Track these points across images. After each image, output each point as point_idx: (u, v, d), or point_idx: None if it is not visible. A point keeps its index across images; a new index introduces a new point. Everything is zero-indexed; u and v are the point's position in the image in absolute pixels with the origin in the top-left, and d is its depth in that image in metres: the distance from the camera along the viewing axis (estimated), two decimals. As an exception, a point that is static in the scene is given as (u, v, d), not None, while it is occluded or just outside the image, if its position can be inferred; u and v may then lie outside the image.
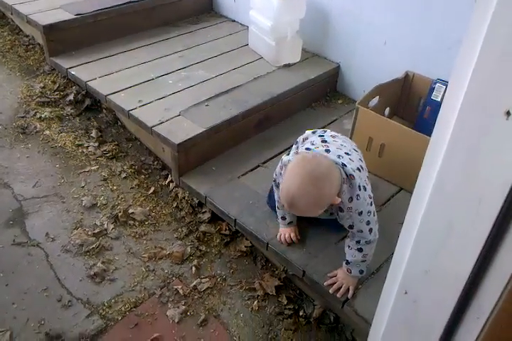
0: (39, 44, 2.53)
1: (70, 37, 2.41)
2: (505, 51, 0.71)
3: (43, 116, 2.18)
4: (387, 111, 2.13)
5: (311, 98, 2.39)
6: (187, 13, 2.86)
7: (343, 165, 1.36)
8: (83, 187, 1.95)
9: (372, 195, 1.45)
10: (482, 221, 0.86)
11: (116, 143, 2.14)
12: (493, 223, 0.85)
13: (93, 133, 2.15)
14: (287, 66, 2.40)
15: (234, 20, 2.86)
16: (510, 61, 0.71)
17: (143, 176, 2.04)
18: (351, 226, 1.44)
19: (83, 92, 2.27)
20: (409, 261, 1.05)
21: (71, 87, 2.31)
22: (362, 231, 1.44)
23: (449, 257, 0.97)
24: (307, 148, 1.48)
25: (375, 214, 1.47)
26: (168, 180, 2.01)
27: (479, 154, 0.82)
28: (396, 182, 1.93)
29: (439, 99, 1.93)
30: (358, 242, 1.47)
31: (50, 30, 2.34)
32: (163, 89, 2.18)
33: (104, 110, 2.25)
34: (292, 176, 1.32)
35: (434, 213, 0.95)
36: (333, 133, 1.60)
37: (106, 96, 2.11)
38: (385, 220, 1.79)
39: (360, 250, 1.48)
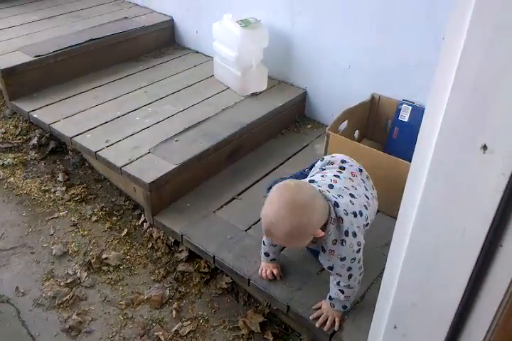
0: (-1, 88, 2.46)
1: (30, 79, 2.35)
2: (477, 86, 0.70)
3: (5, 163, 2.11)
4: (356, 133, 2.13)
5: (280, 125, 2.37)
6: (149, 47, 2.84)
7: (336, 204, 1.32)
8: (52, 234, 1.87)
9: (362, 242, 1.39)
10: (468, 251, 0.84)
11: (84, 185, 2.07)
12: (479, 252, 0.84)
13: (60, 177, 2.08)
14: (255, 95, 2.38)
15: (197, 52, 2.85)
16: (482, 96, 0.70)
17: (115, 218, 1.97)
18: (330, 268, 1.38)
19: (47, 135, 2.20)
20: (396, 295, 1.02)
21: (34, 130, 2.24)
22: (340, 276, 1.39)
23: (436, 289, 0.94)
24: (311, 180, 1.46)
25: (361, 261, 1.41)
26: (141, 220, 1.94)
27: (458, 187, 0.81)
28: (374, 205, 1.92)
29: (406, 120, 1.94)
30: (337, 284, 1.42)
31: (8, 74, 2.28)
32: (130, 126, 2.13)
33: (70, 152, 2.18)
34: (270, 202, 1.28)
35: (418, 245, 0.92)
36: (356, 171, 1.54)
37: (71, 138, 2.05)
38: (364, 245, 1.77)
39: (341, 291, 1.43)
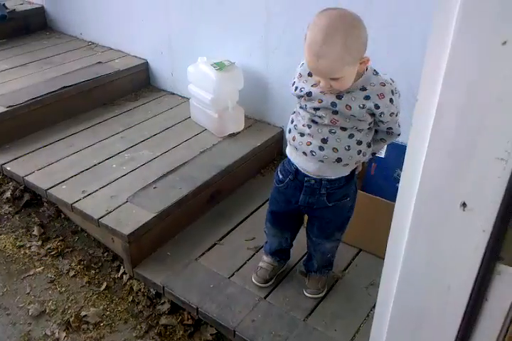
0: (-30, 139, 2.41)
1: (3, 130, 2.30)
2: (453, 146, 0.69)
3: (-22, 218, 2.04)
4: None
5: (259, 165, 2.35)
6: (125, 90, 2.82)
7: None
8: (28, 293, 1.79)
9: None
10: (454, 307, 0.83)
11: (61, 238, 2.01)
12: (465, 308, 0.82)
13: (35, 231, 2.01)
14: (232, 135, 2.37)
15: (173, 93, 2.85)
16: (460, 155, 0.70)
17: (93, 271, 1.90)
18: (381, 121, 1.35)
19: (21, 188, 2.14)
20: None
21: (7, 183, 2.19)
22: (391, 128, 1.39)
23: (424, 345, 0.91)
24: None
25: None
26: (120, 271, 1.88)
27: (440, 245, 0.79)
28: (354, 243, 1.91)
29: (383, 156, 1.93)
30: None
31: (-20, 125, 2.24)
32: (107, 175, 2.09)
33: (45, 203, 2.12)
34: (315, 22, 1.20)
35: (404, 304, 0.90)
36: None
37: (46, 190, 1.99)
38: (350, 286, 1.74)
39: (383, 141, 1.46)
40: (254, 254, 1.87)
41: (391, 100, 1.30)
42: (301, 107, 1.39)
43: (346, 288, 1.75)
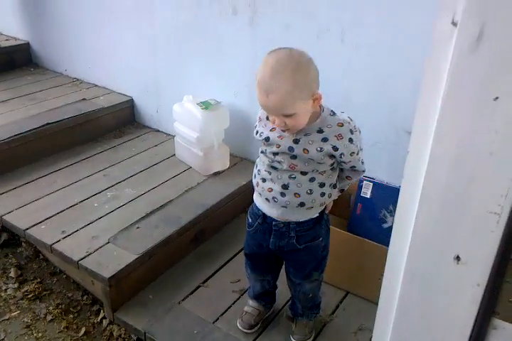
0: None
1: (-18, 167, 2.26)
2: (445, 199, 0.69)
3: (-48, 259, 1.96)
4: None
5: (244, 203, 2.31)
6: (109, 127, 2.81)
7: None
8: (3, 339, 1.70)
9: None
10: None
11: (38, 280, 1.94)
12: None
13: (12, 273, 1.94)
14: (217, 174, 2.35)
15: (158, 130, 2.84)
16: (451, 208, 0.69)
17: (71, 315, 1.82)
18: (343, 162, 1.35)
19: (-1, 227, 2.08)
20: None
21: (-15, 221, 2.12)
22: (355, 167, 1.39)
23: None
24: None
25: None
26: (100, 316, 1.81)
27: (434, 299, 0.77)
28: (341, 286, 1.88)
29: (368, 196, 1.92)
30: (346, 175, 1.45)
31: (-41, 162, 2.19)
32: (88, 214, 2.04)
33: (23, 243, 2.06)
34: (264, 62, 1.22)
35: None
36: None
37: (24, 230, 1.93)
38: (338, 331, 1.70)
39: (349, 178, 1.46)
40: (239, 297, 1.82)
41: (350, 140, 1.30)
42: (262, 152, 1.40)
43: (334, 333, 1.70)
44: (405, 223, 0.75)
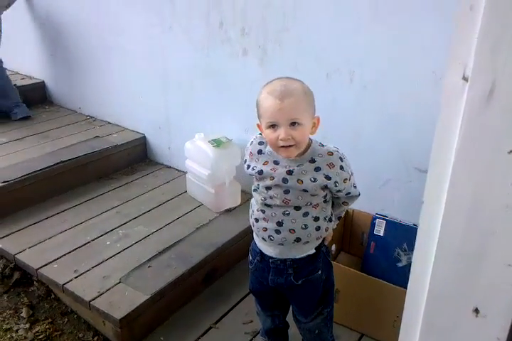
0: (-38, 214, 2.37)
1: (-4, 206, 2.28)
2: (462, 250, 0.69)
3: (-35, 299, 1.96)
4: (333, 247, 2.09)
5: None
6: (121, 164, 2.84)
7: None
8: (12, 383, 1.68)
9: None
10: None
11: (50, 320, 1.91)
12: None
13: (23, 313, 1.92)
14: (229, 211, 2.36)
15: (170, 167, 2.87)
16: (469, 260, 0.68)
17: (82, 358, 1.80)
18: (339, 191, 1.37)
19: (11, 265, 2.08)
20: None
21: (-2, 260, 2.12)
22: (350, 193, 1.41)
23: None
24: None
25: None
26: (111, 358, 1.78)
27: None
28: (355, 327, 1.84)
29: (381, 234, 1.92)
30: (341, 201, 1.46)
31: (-27, 202, 2.22)
32: (100, 252, 2.05)
33: (35, 282, 2.05)
34: (270, 83, 1.32)
35: None
36: None
37: (37, 269, 1.94)
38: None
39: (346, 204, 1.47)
40: (251, 340, 1.79)
41: (341, 167, 1.33)
42: (254, 190, 1.42)
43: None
44: (422, 274, 0.75)
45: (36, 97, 3.37)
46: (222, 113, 2.51)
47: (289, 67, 2.14)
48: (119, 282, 1.87)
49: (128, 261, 1.99)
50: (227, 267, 2.15)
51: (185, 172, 2.58)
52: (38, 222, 2.27)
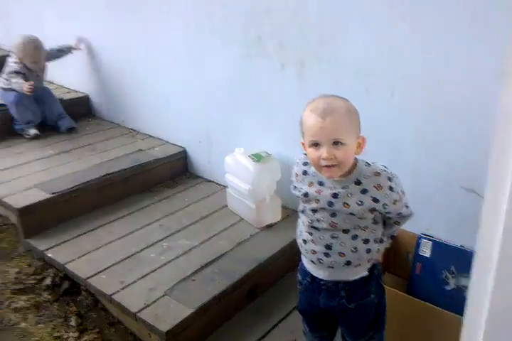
0: (13, 224, 2.47)
1: (45, 216, 2.37)
2: None
3: (18, 306, 2.03)
4: (379, 267, 2.09)
5: (297, 258, 2.31)
6: (163, 177, 2.91)
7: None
8: (62, 391, 1.74)
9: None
10: None
11: (97, 330, 1.97)
12: None
13: (72, 322, 1.98)
14: (270, 226, 2.39)
15: (210, 181, 2.93)
16: None
17: (128, 368, 1.85)
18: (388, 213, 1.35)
19: (61, 275, 2.15)
20: None
21: (47, 269, 2.20)
22: (401, 213, 1.39)
23: None
24: None
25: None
26: (157, 370, 1.82)
27: None
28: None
29: (427, 255, 1.90)
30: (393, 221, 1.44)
31: (24, 212, 2.30)
32: (145, 265, 2.10)
33: (83, 292, 2.12)
34: (313, 100, 1.32)
35: None
36: None
37: (85, 279, 2.01)
38: None
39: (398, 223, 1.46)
40: (295, 357, 1.81)
41: (390, 188, 1.30)
42: (301, 211, 1.41)
43: None
44: (479, 301, 0.74)
45: (81, 110, 3.49)
46: (262, 127, 2.55)
47: (327, 81, 2.17)
48: (164, 294, 1.92)
49: (172, 274, 2.04)
50: (269, 283, 2.17)
51: (226, 186, 2.63)
52: (86, 233, 2.35)
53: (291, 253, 2.25)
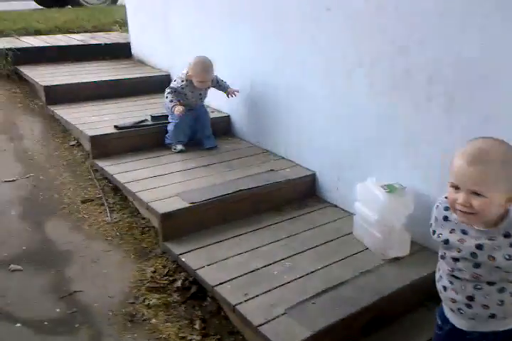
0: (154, 227, 2.72)
1: (183, 223, 2.58)
2: None
3: (151, 303, 2.22)
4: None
5: (424, 296, 2.20)
6: (291, 198, 2.99)
7: None
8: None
9: None
10: None
11: (219, 336, 2.08)
12: None
13: (197, 325, 2.12)
14: (395, 260, 2.34)
15: (336, 206, 2.95)
16: None
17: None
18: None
19: (190, 279, 2.32)
20: None
21: (179, 272, 2.38)
22: None
23: None
24: None
25: None
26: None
27: None
28: None
29: None
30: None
31: (166, 217, 2.53)
32: (268, 281, 2.18)
33: (208, 298, 2.25)
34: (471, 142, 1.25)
35: None
36: None
37: (213, 287, 2.14)
38: None
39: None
40: None
41: None
42: (441, 257, 1.35)
43: None
44: None
45: (222, 129, 3.75)
46: (402, 159, 2.51)
47: (477, 117, 2.09)
48: (285, 313, 1.97)
49: (293, 293, 2.09)
50: (390, 319, 2.11)
51: (352, 214, 2.63)
52: (217, 243, 2.50)
53: (417, 291, 2.19)
